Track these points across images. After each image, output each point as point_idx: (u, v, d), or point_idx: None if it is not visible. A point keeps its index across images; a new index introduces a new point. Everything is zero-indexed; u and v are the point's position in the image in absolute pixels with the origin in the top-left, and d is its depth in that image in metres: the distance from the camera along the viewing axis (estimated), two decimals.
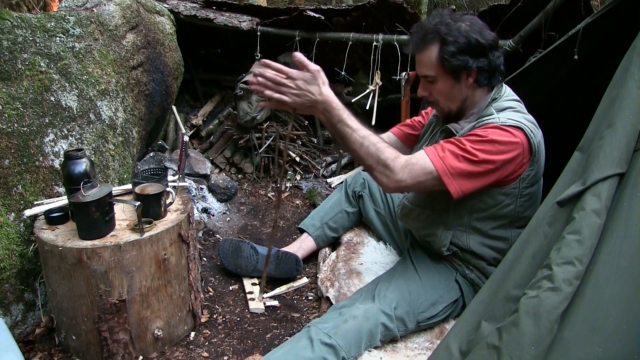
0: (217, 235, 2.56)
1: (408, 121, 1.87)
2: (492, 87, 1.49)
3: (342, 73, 3.23)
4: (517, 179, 1.41)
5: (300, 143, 3.50)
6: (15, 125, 1.67)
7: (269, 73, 1.36)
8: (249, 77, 3.25)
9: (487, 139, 1.33)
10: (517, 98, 1.53)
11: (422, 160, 1.36)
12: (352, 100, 3.17)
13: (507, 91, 1.52)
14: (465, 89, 1.46)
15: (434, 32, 1.41)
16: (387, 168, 1.35)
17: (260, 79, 1.37)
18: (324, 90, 1.35)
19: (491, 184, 1.40)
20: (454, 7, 2.98)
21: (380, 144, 1.37)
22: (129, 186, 1.80)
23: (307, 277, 2.12)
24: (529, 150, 1.38)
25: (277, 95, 1.36)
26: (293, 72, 1.36)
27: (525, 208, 1.48)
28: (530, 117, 1.45)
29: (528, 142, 1.37)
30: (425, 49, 1.43)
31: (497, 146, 1.33)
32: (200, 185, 2.83)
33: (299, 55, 1.37)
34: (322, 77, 1.36)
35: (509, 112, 1.42)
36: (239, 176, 3.35)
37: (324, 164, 3.46)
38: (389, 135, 1.86)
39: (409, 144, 1.83)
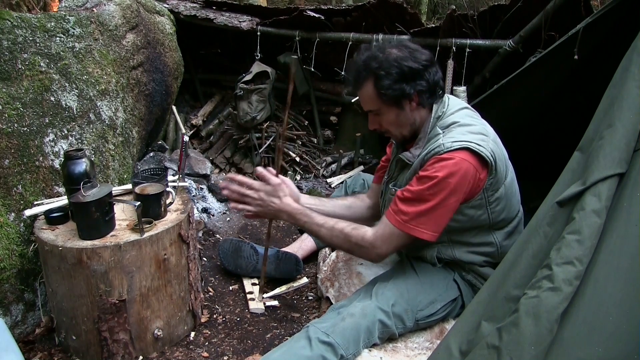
0: (217, 235, 2.55)
1: (379, 166, 1.86)
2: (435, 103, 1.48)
3: (342, 73, 3.23)
4: (480, 191, 1.41)
5: (300, 143, 3.50)
6: (15, 125, 1.67)
7: (234, 186, 1.51)
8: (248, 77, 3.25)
9: (437, 179, 1.34)
10: (464, 105, 1.52)
11: (389, 228, 1.42)
12: (352, 100, 3.17)
13: (449, 103, 1.50)
14: (411, 113, 1.47)
15: (366, 70, 1.42)
16: (362, 247, 1.45)
17: (225, 191, 1.53)
18: (285, 201, 1.52)
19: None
20: (454, 7, 2.97)
21: (347, 229, 1.47)
22: (129, 186, 1.80)
23: (307, 277, 2.12)
24: (481, 166, 1.37)
25: (240, 206, 1.54)
26: (255, 184, 1.51)
27: (499, 212, 1.49)
28: (478, 126, 1.43)
29: (477, 158, 1.36)
30: (362, 86, 1.45)
31: (448, 181, 1.34)
32: (200, 185, 2.83)
33: (260, 170, 1.55)
34: (283, 190, 1.53)
35: (454, 130, 1.41)
36: None
37: (324, 164, 3.46)
38: (372, 187, 1.85)
39: None
